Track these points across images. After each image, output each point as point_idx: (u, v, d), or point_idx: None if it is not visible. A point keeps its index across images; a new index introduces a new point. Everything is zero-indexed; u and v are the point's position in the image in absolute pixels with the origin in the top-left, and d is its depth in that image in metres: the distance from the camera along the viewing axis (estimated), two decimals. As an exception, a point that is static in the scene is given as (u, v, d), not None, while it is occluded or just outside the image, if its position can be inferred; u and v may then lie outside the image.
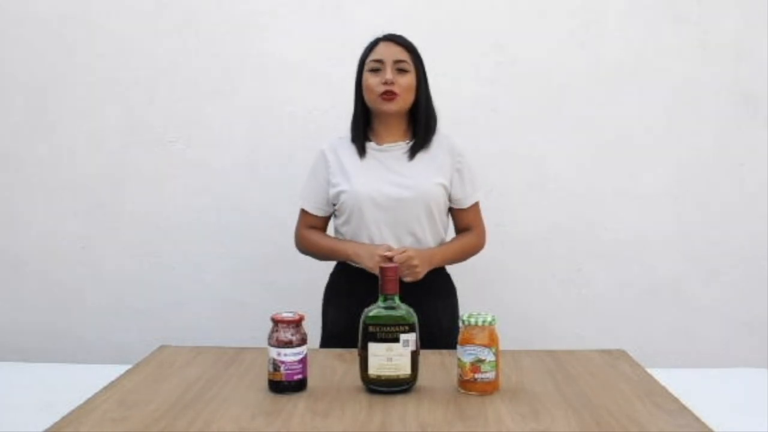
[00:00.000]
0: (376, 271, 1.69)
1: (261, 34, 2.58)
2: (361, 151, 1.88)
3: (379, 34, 1.91)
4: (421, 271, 1.77)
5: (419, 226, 1.84)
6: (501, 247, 2.57)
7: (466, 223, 1.95)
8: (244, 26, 2.58)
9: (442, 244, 1.91)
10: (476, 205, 1.95)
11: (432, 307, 1.79)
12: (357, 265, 1.83)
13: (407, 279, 1.73)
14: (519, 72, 2.57)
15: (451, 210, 1.95)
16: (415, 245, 1.84)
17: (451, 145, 1.90)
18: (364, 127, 1.91)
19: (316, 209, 1.94)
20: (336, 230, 1.96)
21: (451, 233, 1.98)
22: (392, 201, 1.82)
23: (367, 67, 1.86)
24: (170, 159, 2.60)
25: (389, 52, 1.84)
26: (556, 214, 2.59)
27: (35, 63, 2.59)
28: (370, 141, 1.90)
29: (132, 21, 2.58)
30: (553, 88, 2.58)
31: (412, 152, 1.87)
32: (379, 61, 1.83)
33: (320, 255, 1.94)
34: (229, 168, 2.60)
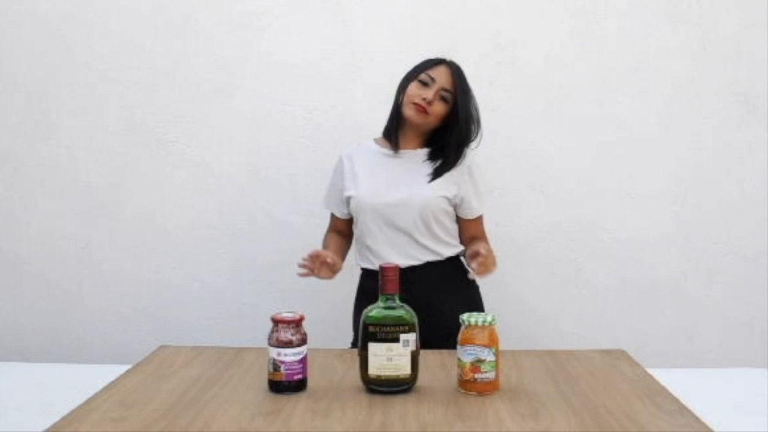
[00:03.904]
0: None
1: (261, 34, 2.58)
2: (395, 147, 1.93)
3: (448, 57, 1.95)
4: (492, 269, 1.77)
5: (417, 232, 1.89)
6: (501, 247, 2.54)
7: (471, 232, 1.98)
8: (244, 26, 2.58)
9: (451, 247, 1.95)
10: (480, 218, 1.99)
11: (437, 303, 1.82)
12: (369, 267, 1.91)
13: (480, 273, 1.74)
14: (519, 72, 2.57)
15: (458, 219, 1.98)
16: (417, 247, 1.89)
17: (468, 161, 1.94)
18: (396, 128, 1.96)
19: (338, 212, 2.01)
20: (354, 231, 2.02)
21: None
22: (388, 207, 1.87)
23: (419, 77, 1.90)
24: (170, 159, 2.60)
25: (443, 76, 1.89)
26: (556, 214, 2.59)
27: (35, 63, 2.59)
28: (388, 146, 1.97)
29: (132, 21, 2.58)
30: (553, 88, 2.58)
31: (435, 173, 1.90)
32: (433, 79, 1.88)
33: None
34: (229, 168, 2.60)
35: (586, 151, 2.59)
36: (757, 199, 2.58)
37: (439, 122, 1.91)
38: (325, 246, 1.97)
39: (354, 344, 1.94)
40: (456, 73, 1.91)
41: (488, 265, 1.74)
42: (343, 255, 1.99)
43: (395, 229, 1.88)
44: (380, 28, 2.55)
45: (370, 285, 1.90)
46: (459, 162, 1.92)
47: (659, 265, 2.60)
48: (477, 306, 1.97)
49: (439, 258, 1.91)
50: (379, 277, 1.36)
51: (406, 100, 1.89)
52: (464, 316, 1.37)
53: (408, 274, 1.72)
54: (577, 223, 2.60)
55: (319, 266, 1.78)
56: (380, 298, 1.35)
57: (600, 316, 2.61)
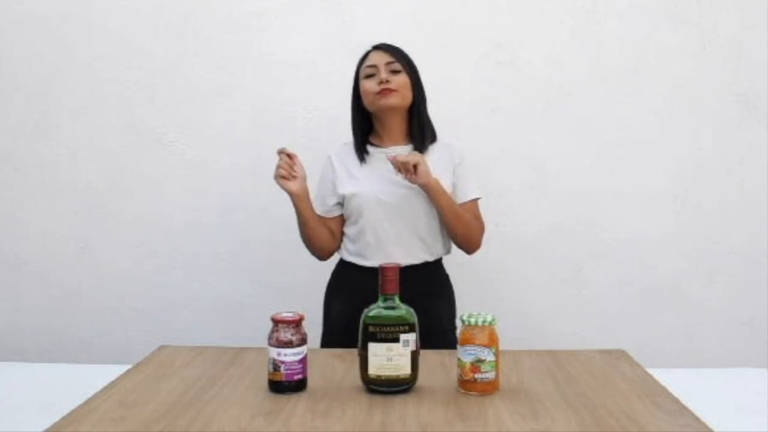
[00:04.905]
0: (279, 182, 1.80)
1: (261, 34, 2.58)
2: (361, 158, 1.94)
3: (369, 46, 1.96)
4: (423, 168, 1.79)
5: (422, 225, 1.90)
6: (501, 247, 2.57)
7: None
8: (244, 26, 2.58)
9: (444, 244, 1.96)
10: (475, 202, 1.97)
11: (431, 306, 1.82)
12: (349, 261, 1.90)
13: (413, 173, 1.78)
14: (519, 72, 2.57)
15: None
16: (419, 245, 1.90)
17: (452, 152, 1.96)
18: (364, 133, 1.97)
19: (324, 212, 1.97)
20: (344, 233, 1.99)
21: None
22: (396, 201, 1.87)
23: (362, 74, 1.93)
24: (170, 159, 2.60)
25: (381, 58, 1.91)
26: (556, 214, 2.59)
27: (35, 63, 2.59)
28: (374, 145, 1.96)
29: (132, 21, 2.58)
30: (553, 88, 2.58)
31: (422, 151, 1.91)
32: (373, 66, 1.90)
33: (304, 231, 1.94)
34: (229, 168, 2.60)
35: (586, 151, 2.59)
36: (757, 199, 2.58)
37: (411, 95, 1.91)
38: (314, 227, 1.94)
39: (324, 339, 1.94)
40: (388, 49, 1.92)
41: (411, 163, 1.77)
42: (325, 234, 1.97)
43: (402, 225, 1.88)
44: (380, 28, 2.54)
45: (359, 279, 1.90)
46: (434, 150, 1.93)
47: (659, 265, 2.60)
48: (451, 305, 1.99)
49: (432, 258, 1.93)
50: (379, 277, 1.36)
51: (369, 98, 1.89)
52: (464, 316, 1.37)
53: (407, 273, 1.73)
54: (577, 223, 2.60)
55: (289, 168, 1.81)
56: (380, 298, 1.35)
57: (600, 316, 2.61)
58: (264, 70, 2.58)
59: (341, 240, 1.99)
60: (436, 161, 1.90)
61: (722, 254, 2.60)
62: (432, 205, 1.87)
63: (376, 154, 1.94)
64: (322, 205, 1.98)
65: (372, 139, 1.97)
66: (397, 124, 1.93)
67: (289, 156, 1.81)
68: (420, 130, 1.93)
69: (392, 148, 1.93)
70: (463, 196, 1.95)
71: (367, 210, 1.88)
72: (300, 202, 1.86)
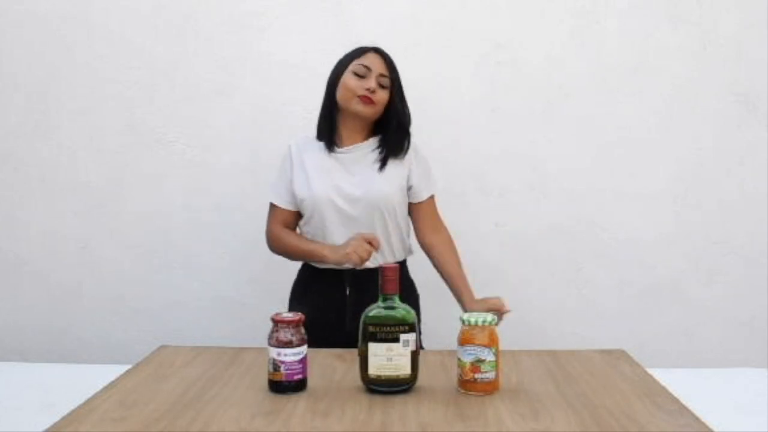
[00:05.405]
0: (342, 262, 1.76)
1: (261, 34, 2.58)
2: (330, 146, 1.91)
3: (368, 44, 1.94)
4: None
5: (374, 227, 1.87)
6: (501, 247, 2.57)
7: (425, 214, 1.96)
8: (244, 26, 2.58)
9: (404, 242, 1.96)
10: (432, 200, 1.97)
11: None
12: (323, 267, 1.88)
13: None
14: (519, 72, 2.57)
15: (410, 206, 1.97)
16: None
17: (412, 145, 1.94)
18: (333, 124, 1.94)
19: (287, 203, 1.95)
20: (299, 228, 1.98)
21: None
22: (347, 203, 1.85)
23: (351, 68, 1.89)
24: (170, 159, 2.60)
25: (377, 63, 1.89)
26: (556, 214, 2.59)
27: (35, 63, 2.59)
28: (333, 142, 1.94)
29: (132, 21, 2.58)
30: (553, 88, 2.58)
31: (382, 163, 1.89)
32: (367, 68, 1.87)
33: (296, 257, 1.95)
34: (229, 168, 2.60)
35: (586, 151, 2.59)
36: (757, 199, 2.58)
37: (383, 110, 1.90)
38: (300, 244, 1.91)
39: None
40: (386, 57, 1.91)
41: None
42: None
43: (355, 227, 1.85)
44: (380, 29, 2.54)
45: (318, 283, 1.91)
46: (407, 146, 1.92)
47: (659, 265, 2.60)
48: (417, 314, 1.97)
49: (393, 260, 1.90)
50: (379, 277, 1.36)
51: (347, 95, 1.87)
52: (464, 316, 1.37)
53: (365, 275, 1.76)
54: (577, 223, 2.60)
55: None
56: (380, 298, 1.36)
57: (600, 316, 2.61)
58: (264, 70, 2.58)
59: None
60: (399, 162, 1.90)
61: (722, 254, 2.60)
62: (381, 205, 1.86)
63: (333, 153, 1.91)
64: (286, 198, 1.94)
65: (332, 134, 1.94)
66: (360, 128, 1.92)
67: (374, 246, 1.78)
68: (397, 144, 1.90)
69: (349, 147, 1.91)
70: (419, 196, 1.94)
71: (320, 210, 1.87)
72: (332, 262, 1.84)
